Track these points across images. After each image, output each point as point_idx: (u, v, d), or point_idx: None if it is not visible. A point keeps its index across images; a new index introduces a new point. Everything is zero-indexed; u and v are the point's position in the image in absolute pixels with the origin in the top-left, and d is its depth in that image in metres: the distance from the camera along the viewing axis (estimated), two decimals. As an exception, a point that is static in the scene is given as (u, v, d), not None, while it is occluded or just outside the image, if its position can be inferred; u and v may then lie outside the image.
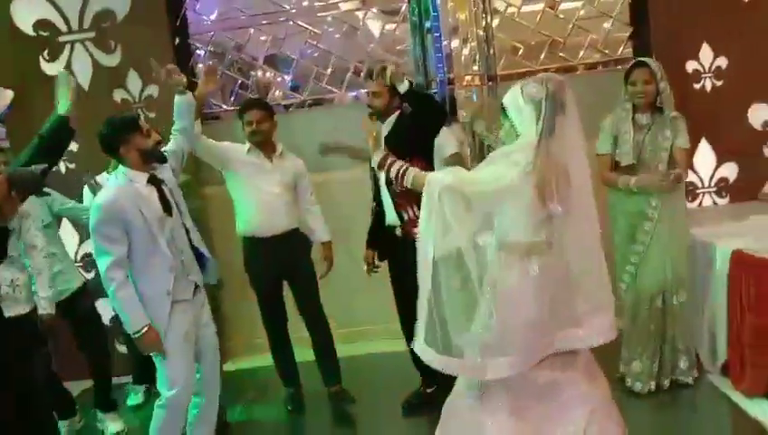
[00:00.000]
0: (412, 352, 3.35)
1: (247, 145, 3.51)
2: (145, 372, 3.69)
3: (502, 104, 2.38)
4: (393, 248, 3.28)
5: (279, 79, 4.71)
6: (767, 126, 4.17)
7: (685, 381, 3.34)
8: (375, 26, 4.60)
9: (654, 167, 3.21)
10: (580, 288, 2.39)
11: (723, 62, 4.10)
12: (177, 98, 3.07)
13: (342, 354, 3.77)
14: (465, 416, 2.49)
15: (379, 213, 3.35)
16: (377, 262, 3.45)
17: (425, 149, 3.16)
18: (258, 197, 3.43)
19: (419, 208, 2.38)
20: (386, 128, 3.18)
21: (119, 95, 4.43)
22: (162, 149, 2.91)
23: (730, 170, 4.22)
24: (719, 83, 4.13)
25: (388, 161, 2.50)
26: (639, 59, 3.35)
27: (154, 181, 2.78)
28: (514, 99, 2.32)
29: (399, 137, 3.08)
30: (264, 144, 3.49)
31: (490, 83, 4.34)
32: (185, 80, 3.08)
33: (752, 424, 2.99)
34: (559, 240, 2.33)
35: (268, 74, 4.77)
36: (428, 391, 3.46)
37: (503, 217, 2.33)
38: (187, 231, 2.86)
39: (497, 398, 2.43)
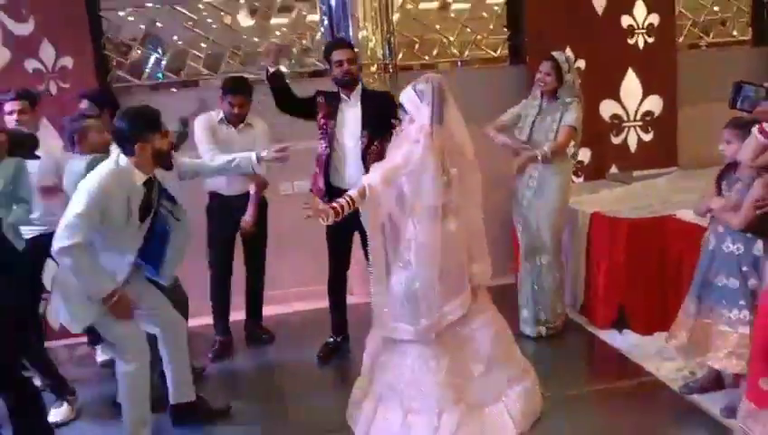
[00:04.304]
0: (333, 306, 4.02)
1: (221, 115, 3.99)
2: None
3: (399, 103, 3.13)
4: None
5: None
6: (614, 118, 5.23)
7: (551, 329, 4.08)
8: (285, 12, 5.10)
9: (539, 145, 3.94)
10: (473, 239, 3.18)
11: (581, 63, 5.08)
12: (253, 163, 3.37)
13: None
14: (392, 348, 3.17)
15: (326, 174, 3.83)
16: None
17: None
18: None
19: None
20: (352, 106, 3.77)
21: (31, 65, 4.54)
22: (183, 161, 3.22)
23: (584, 155, 5.21)
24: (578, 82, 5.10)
25: (338, 208, 2.94)
26: (552, 53, 3.98)
27: (148, 185, 2.95)
28: (410, 96, 3.09)
29: (378, 117, 3.62)
30: (237, 119, 3.99)
31: (391, 72, 5.02)
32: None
33: (605, 347, 3.97)
34: (458, 202, 3.08)
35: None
36: (338, 339, 4.10)
37: (418, 186, 3.02)
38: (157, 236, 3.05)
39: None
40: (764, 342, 2.55)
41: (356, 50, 3.95)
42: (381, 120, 3.54)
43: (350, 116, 3.79)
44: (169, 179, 3.10)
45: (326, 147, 3.79)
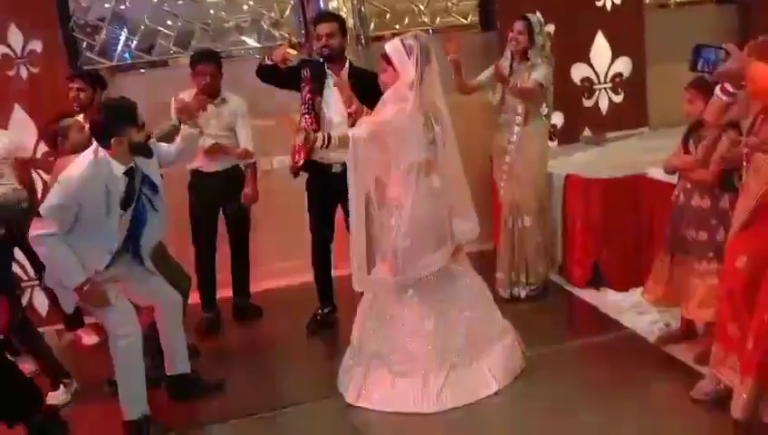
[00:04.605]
0: (318, 278, 4.10)
1: (195, 91, 3.98)
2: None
3: (383, 54, 3.14)
4: (331, 183, 3.80)
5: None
6: (585, 81, 5.33)
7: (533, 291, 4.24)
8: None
9: (512, 108, 4.09)
10: (456, 196, 3.27)
11: (551, 27, 5.13)
12: (187, 132, 3.32)
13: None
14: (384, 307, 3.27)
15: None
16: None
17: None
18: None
19: None
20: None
21: (-1, 50, 4.51)
22: (166, 147, 3.23)
23: (558, 118, 5.31)
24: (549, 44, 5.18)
25: (312, 137, 3.10)
26: (525, 14, 4.08)
27: (129, 174, 2.99)
28: (397, 49, 3.13)
29: (365, 97, 3.61)
30: (211, 93, 4.00)
31: (363, 42, 5.06)
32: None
33: (583, 305, 4.14)
34: (441, 160, 3.18)
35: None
36: (325, 311, 4.18)
37: (404, 144, 3.09)
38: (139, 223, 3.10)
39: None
40: (729, 289, 2.70)
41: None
42: (368, 100, 3.57)
43: (338, 93, 3.79)
44: (152, 165, 3.13)
45: (311, 122, 3.79)
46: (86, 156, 2.95)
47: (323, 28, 3.77)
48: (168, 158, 3.30)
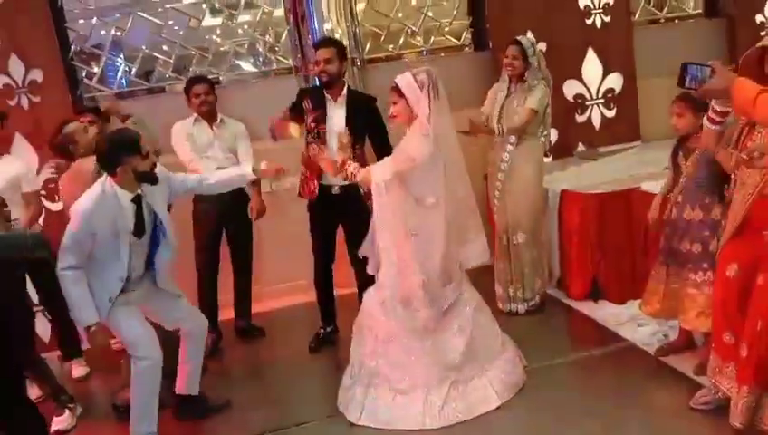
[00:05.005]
0: (321, 298, 4.15)
1: (194, 116, 4.17)
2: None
3: (394, 87, 3.20)
4: (331, 204, 3.93)
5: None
6: (578, 98, 5.43)
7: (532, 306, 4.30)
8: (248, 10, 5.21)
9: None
10: (462, 225, 3.34)
11: (542, 45, 5.20)
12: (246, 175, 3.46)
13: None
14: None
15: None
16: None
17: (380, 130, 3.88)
18: (203, 163, 4.07)
19: None
20: (338, 108, 3.85)
21: (0, 80, 4.57)
22: (182, 179, 3.34)
23: (552, 134, 5.38)
24: (544, 63, 5.27)
25: (346, 164, 3.30)
26: (516, 37, 4.18)
27: (136, 201, 3.08)
28: (410, 84, 3.17)
29: (362, 122, 3.75)
30: (209, 114, 4.13)
31: (359, 64, 5.15)
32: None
33: (582, 318, 4.19)
34: (448, 192, 3.27)
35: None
36: (328, 330, 4.24)
37: (426, 180, 3.19)
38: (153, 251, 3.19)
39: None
40: (722, 298, 2.76)
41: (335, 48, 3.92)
42: (365, 125, 3.62)
43: (337, 119, 3.83)
44: (158, 195, 3.18)
45: (319, 149, 3.75)
46: (95, 189, 3.06)
47: (322, 53, 3.84)
48: (179, 190, 3.35)
